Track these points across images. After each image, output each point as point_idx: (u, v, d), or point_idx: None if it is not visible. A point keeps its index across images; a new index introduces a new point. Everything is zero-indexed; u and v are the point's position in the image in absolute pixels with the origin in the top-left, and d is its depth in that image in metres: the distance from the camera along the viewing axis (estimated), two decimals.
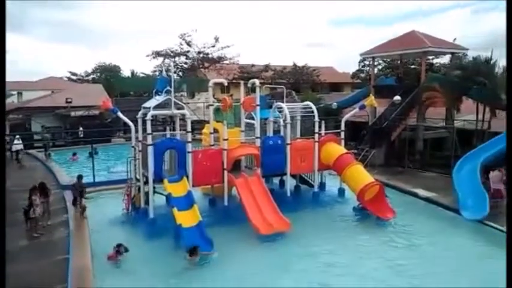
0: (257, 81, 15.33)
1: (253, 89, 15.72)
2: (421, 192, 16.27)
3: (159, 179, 13.03)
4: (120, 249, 10.54)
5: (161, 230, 12.36)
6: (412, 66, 34.30)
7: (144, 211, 13.57)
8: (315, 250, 11.22)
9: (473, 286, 9.39)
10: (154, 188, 13.41)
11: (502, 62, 19.46)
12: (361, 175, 14.55)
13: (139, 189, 14.20)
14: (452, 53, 25.33)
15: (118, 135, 31.51)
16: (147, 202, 13.51)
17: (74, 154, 24.40)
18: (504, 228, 12.16)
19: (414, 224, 13.32)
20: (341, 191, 16.02)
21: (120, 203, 14.32)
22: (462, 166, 16.21)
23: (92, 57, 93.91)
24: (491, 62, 19.12)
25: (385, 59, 40.70)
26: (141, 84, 46.25)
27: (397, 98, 21.38)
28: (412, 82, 24.43)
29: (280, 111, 16.24)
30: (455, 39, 27.63)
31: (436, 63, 38.99)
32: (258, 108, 14.86)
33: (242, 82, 15.87)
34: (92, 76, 56.77)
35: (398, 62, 31.40)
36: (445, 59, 37.75)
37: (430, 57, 29.46)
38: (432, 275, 9.89)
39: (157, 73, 49.93)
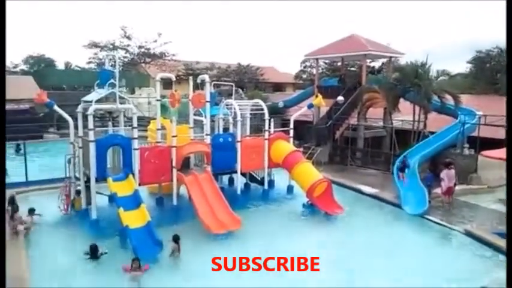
0: (207, 77, 15.08)
1: (200, 85, 15.40)
2: (365, 188, 16.90)
3: (102, 178, 12.19)
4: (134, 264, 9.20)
5: (106, 232, 11.59)
6: (352, 68, 35.73)
7: (85, 212, 12.67)
8: (266, 247, 11.05)
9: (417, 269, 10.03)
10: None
11: (436, 67, 20.98)
12: (310, 172, 14.77)
13: (78, 189, 13.26)
14: (390, 57, 26.80)
15: (50, 131, 29.34)
16: (88, 203, 12.60)
17: None
18: (441, 221, 13.06)
19: (361, 218, 13.77)
20: (290, 188, 16.16)
21: (55, 204, 13.16)
22: None
23: (19, 47, 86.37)
24: (426, 66, 20.36)
25: (325, 61, 42.00)
26: (76, 78, 43.85)
27: (341, 98, 22.13)
28: (353, 83, 25.37)
29: (229, 109, 16.05)
30: (389, 43, 29.41)
31: (373, 66, 41.09)
32: (207, 104, 14.56)
33: (190, 77, 15.49)
34: (20, 68, 51.94)
35: (339, 64, 32.53)
36: (377, 63, 40.09)
37: (368, 61, 30.81)
38: (377, 261, 10.38)
39: (92, 66, 47.44)
